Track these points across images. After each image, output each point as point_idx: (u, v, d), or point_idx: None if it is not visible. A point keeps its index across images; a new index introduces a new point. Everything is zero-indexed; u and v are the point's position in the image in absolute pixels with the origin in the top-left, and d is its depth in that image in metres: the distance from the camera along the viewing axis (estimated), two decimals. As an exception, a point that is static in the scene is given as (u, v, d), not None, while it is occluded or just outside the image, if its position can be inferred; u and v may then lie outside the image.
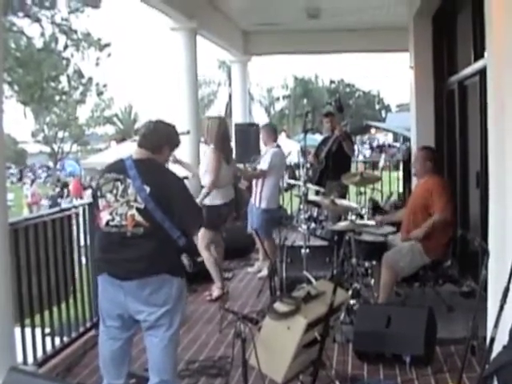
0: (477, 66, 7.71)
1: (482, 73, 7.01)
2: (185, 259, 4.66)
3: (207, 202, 8.08)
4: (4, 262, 5.18)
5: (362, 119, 61.81)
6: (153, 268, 4.61)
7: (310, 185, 8.82)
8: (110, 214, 4.64)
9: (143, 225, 4.56)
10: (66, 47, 37.55)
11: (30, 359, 5.83)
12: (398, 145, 46.54)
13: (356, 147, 16.65)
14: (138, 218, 4.56)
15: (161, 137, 4.86)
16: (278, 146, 9.49)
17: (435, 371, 5.59)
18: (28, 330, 5.84)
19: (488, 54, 4.75)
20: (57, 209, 6.81)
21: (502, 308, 3.86)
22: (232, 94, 16.81)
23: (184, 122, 10.11)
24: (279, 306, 4.90)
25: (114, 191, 4.66)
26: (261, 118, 56.46)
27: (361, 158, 36.82)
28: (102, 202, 4.71)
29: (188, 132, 8.45)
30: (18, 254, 5.64)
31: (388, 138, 58.04)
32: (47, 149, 57.10)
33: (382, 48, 15.30)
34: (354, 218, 7.23)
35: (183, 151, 10.23)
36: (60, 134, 55.84)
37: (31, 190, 28.53)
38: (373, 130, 59.65)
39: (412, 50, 10.70)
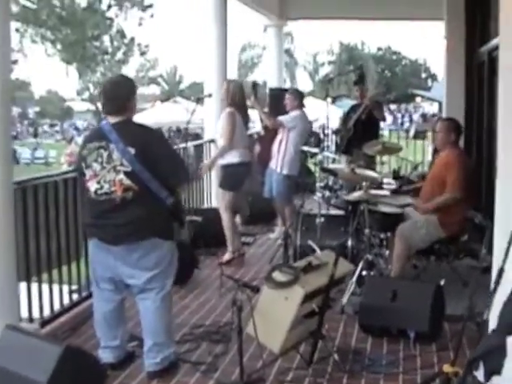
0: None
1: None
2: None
3: (223, 161, 8.03)
4: (8, 221, 5.21)
5: (408, 87, 60.92)
6: (140, 233, 4.61)
7: (327, 153, 8.68)
8: (98, 182, 4.63)
9: (132, 188, 4.55)
10: (109, 7, 37.58)
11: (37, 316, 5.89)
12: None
13: (400, 115, 16.15)
14: (127, 181, 4.55)
15: (122, 93, 4.76)
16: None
17: (439, 348, 5.49)
18: (35, 288, 5.89)
19: (501, 23, 4.53)
20: (69, 169, 6.84)
21: (495, 290, 3.73)
22: (267, 59, 16.63)
23: (212, 85, 10.03)
24: (277, 276, 4.85)
25: (100, 159, 4.63)
26: (305, 83, 56.00)
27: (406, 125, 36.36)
28: (88, 173, 4.69)
29: (210, 95, 8.37)
30: (26, 213, 5.67)
31: (433, 108, 57.17)
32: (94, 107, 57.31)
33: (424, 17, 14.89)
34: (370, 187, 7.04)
35: (210, 114, 10.20)
36: (104, 93, 55.84)
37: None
38: (418, 99, 58.81)
39: (445, 19, 10.43)
